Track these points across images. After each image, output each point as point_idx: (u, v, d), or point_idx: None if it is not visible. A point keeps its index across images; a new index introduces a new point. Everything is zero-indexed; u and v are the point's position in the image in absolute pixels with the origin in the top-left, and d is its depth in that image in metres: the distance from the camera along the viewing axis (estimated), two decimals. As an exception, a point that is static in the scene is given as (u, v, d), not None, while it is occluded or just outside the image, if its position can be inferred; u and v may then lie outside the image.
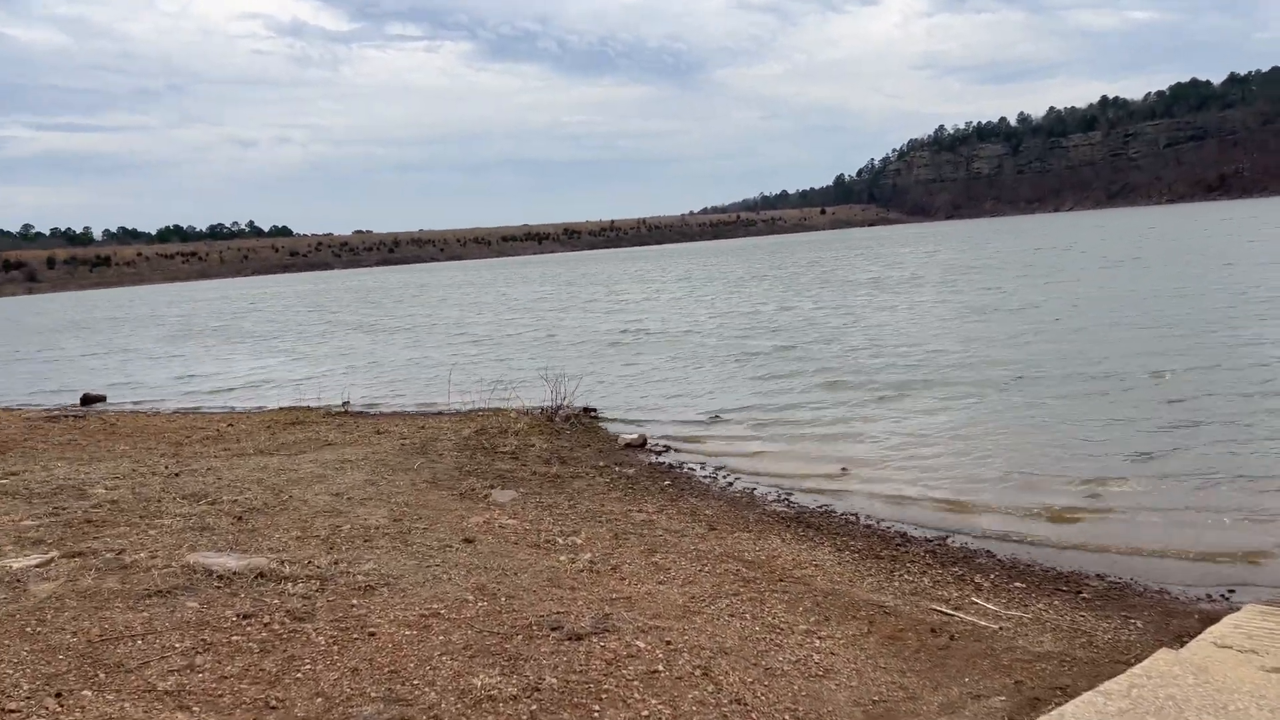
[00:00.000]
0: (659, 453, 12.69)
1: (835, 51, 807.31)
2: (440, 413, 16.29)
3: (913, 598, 6.78)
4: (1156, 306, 24.10)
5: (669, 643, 5.38)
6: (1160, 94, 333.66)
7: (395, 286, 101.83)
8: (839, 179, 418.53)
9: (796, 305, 34.87)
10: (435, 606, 5.77)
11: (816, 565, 7.56)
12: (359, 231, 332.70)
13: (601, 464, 11.80)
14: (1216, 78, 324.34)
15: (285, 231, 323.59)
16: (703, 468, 11.74)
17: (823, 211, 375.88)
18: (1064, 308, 25.58)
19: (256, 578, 6.13)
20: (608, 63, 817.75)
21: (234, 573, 6.16)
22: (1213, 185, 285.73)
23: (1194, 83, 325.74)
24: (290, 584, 6.06)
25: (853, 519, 9.20)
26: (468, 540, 7.55)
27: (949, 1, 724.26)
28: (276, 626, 5.32)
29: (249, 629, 5.26)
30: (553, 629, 5.52)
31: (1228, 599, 6.63)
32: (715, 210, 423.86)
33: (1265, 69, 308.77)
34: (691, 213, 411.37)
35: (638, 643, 5.37)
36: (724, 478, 11.18)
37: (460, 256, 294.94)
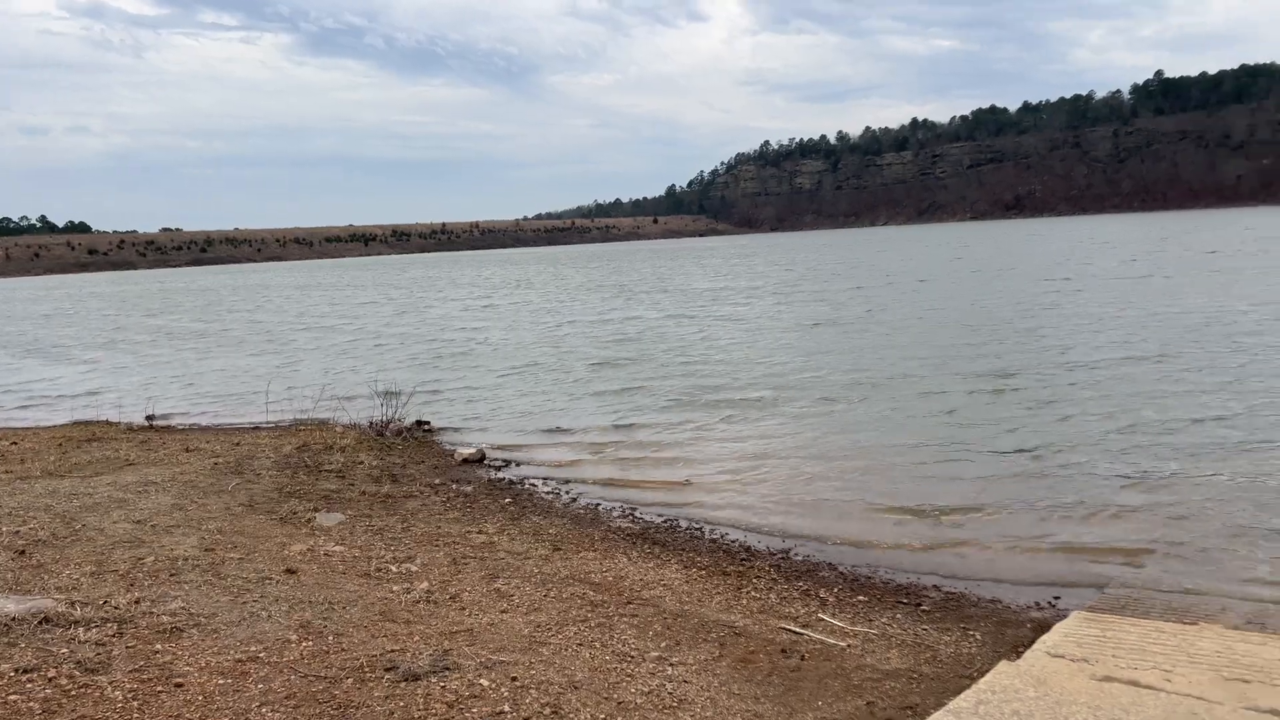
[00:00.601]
0: (499, 468, 12.24)
1: (665, 64, 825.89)
2: (258, 428, 15.19)
3: (761, 616, 6.70)
4: (984, 318, 25.53)
5: (515, 679, 5.03)
6: (964, 118, 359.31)
7: (206, 289, 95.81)
8: (670, 189, 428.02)
9: (641, 314, 34.93)
10: (253, 649, 5.20)
11: (665, 585, 7.38)
12: (167, 229, 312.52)
13: (437, 481, 11.25)
14: (1013, 105, 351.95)
15: (83, 228, 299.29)
16: (545, 483, 11.37)
17: (655, 220, 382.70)
18: (901, 319, 26.70)
19: (40, 623, 5.35)
20: (438, 62, 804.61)
21: (12, 619, 5.35)
22: (1010, 204, 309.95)
23: (993, 109, 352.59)
24: (82, 629, 5.32)
25: (698, 533, 9.09)
26: (290, 571, 6.93)
27: (772, 21, 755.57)
28: (64, 682, 4.62)
29: (29, 686, 4.54)
30: (387, 669, 5.06)
31: (1054, 605, 6.89)
32: (550, 216, 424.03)
33: (1053, 99, 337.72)
34: (526, 218, 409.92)
35: (481, 681, 4.99)
36: (567, 493, 10.86)
37: (279, 257, 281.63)
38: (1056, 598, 7.03)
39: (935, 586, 7.43)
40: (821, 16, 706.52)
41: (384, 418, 14.16)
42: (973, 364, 17.15)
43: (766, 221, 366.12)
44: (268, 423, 15.45)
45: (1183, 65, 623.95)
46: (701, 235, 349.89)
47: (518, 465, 12.38)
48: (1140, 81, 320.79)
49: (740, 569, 7.86)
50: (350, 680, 4.88)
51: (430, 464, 12.37)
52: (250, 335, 36.48)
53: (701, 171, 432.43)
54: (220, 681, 4.76)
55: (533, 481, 11.44)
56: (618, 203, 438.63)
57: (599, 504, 10.32)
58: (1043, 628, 6.41)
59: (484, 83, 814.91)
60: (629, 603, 6.83)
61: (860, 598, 7.15)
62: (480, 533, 9.01)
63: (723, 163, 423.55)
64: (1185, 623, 6.21)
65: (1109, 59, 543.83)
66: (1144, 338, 19.56)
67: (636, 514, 9.85)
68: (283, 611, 5.90)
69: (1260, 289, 29.06)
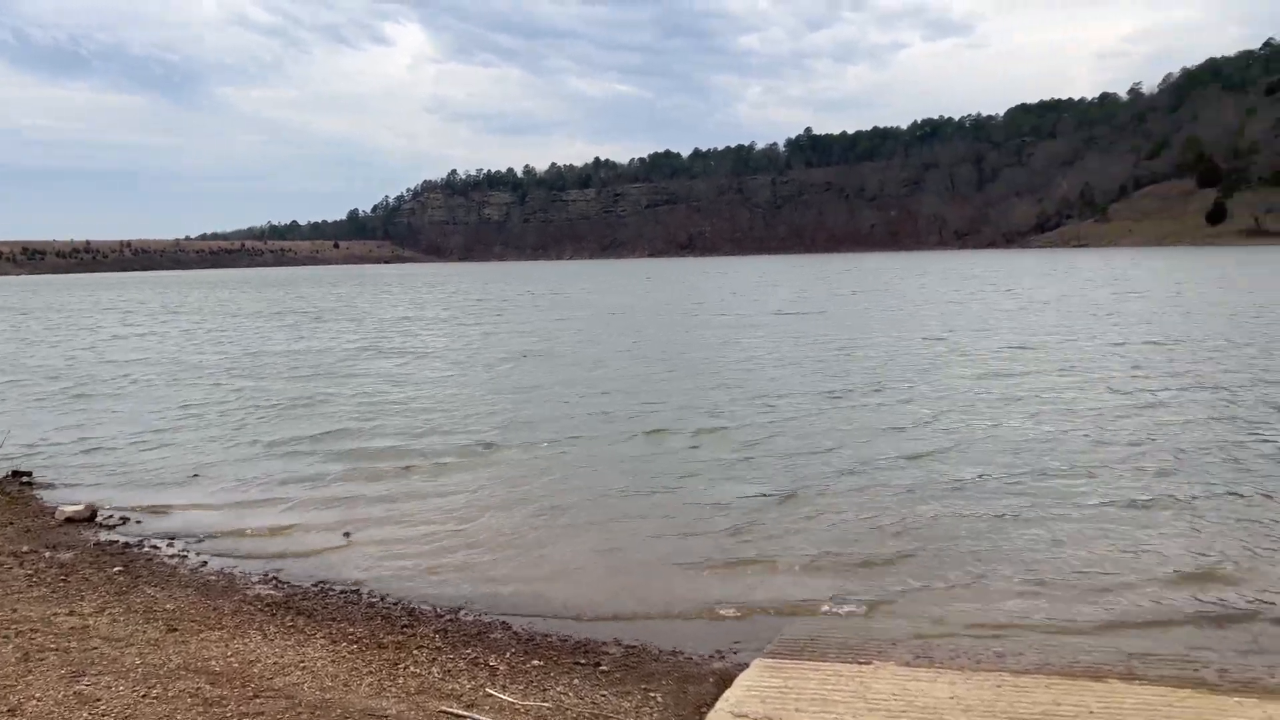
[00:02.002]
0: (113, 527, 10.19)
1: (347, 85, 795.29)
2: None
3: (420, 698, 5.72)
4: (680, 357, 26.03)
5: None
6: (642, 160, 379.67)
7: None
8: (353, 213, 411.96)
9: (310, 343, 32.28)
10: None
11: (305, 667, 6.17)
12: None
13: (25, 549, 9.10)
14: (685, 150, 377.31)
15: None
16: (171, 545, 9.55)
17: (336, 245, 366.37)
18: (597, 355, 26.46)
19: None
20: (82, 64, 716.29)
21: None
22: (683, 244, 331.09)
23: (667, 153, 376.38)
24: None
25: (354, 598, 7.90)
26: None
27: (456, 51, 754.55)
28: None
29: None
30: None
31: (735, 653, 6.55)
32: (217, 237, 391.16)
33: (720, 147, 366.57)
34: (189, 238, 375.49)
35: None
36: (197, 556, 9.17)
37: None
38: (737, 643, 6.71)
39: (616, 640, 6.85)
40: (505, 51, 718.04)
41: (-36, 470, 11.48)
42: (663, 407, 16.72)
43: (455, 250, 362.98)
44: None
45: (827, 124, 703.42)
46: (387, 262, 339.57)
47: (138, 523, 10.37)
48: (793, 136, 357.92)
49: (400, 639, 6.82)
50: None
51: (20, 526, 10.06)
52: None
53: (387, 197, 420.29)
54: None
55: (155, 543, 9.58)
56: (295, 225, 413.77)
57: (236, 567, 8.76)
58: (725, 680, 6.02)
59: (139, 90, 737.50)
60: (256, 696, 5.57)
61: (535, 662, 6.39)
62: (72, 614, 7.23)
63: (409, 189, 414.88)
64: (861, 663, 6.07)
65: (767, 114, 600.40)
66: (836, 373, 20.40)
67: (281, 578, 8.45)
68: None
69: (921, 325, 32.48)
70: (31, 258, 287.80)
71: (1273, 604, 7.00)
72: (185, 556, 9.16)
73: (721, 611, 7.32)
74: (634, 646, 6.69)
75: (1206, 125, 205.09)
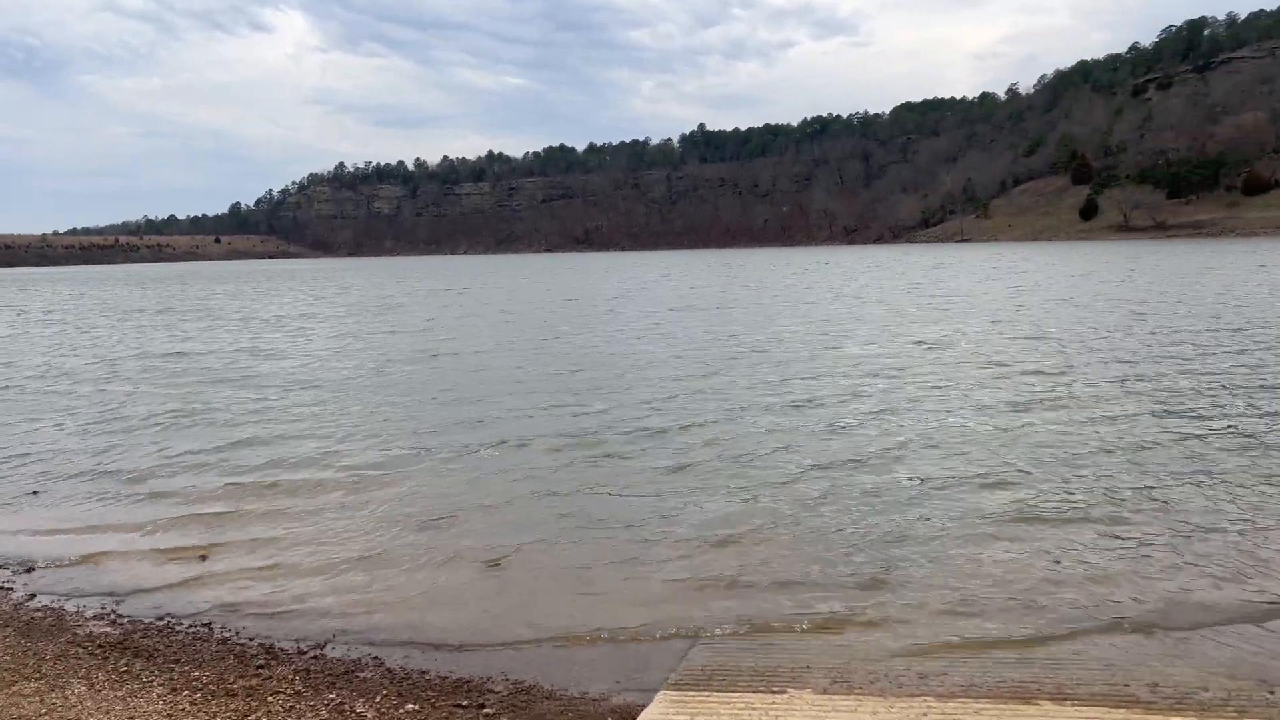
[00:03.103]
0: (-74, 557, 8.91)
1: (224, 74, 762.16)
2: None
3: (272, 757, 4.91)
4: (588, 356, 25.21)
5: None
6: (537, 154, 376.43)
7: None
8: (235, 207, 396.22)
9: (189, 344, 30.17)
10: None
11: (136, 725, 5.28)
12: None
13: None
14: (580, 145, 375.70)
15: None
16: (-7, 574, 8.39)
17: (218, 240, 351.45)
18: (492, 358, 25.46)
19: None
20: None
21: None
22: (580, 238, 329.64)
23: (562, 148, 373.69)
24: None
25: (204, 634, 6.95)
26: None
27: (342, 41, 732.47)
28: None
29: None
30: None
31: (637, 684, 5.92)
32: (88, 232, 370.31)
33: (615, 142, 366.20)
34: (56, 233, 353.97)
35: None
36: (24, 588, 8.03)
37: None
38: (639, 673, 6.09)
39: (503, 675, 6.14)
40: (393, 41, 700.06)
41: None
42: (565, 413, 15.64)
43: (344, 245, 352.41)
44: None
45: (720, 120, 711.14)
46: (271, 257, 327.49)
47: (-42, 550, 9.12)
48: (687, 132, 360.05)
49: (253, 683, 5.95)
50: None
51: None
52: None
53: (271, 190, 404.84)
54: None
55: (-26, 575, 8.39)
56: (173, 219, 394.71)
57: (67, 602, 7.68)
58: (627, 717, 5.39)
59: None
60: (68, 768, 4.67)
61: (410, 706, 5.63)
62: None
63: (294, 182, 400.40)
64: (774, 691, 5.53)
65: (661, 109, 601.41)
66: (751, 375, 19.60)
67: (121, 612, 7.42)
68: None
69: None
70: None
71: (1201, 613, 6.73)
72: (9, 589, 8.01)
73: (621, 637, 6.65)
74: (523, 683, 5.98)
75: (1078, 124, 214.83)
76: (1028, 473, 10.61)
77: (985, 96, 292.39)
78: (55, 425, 15.79)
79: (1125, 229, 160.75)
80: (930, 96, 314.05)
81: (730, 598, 7.28)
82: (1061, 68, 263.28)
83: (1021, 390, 16.07)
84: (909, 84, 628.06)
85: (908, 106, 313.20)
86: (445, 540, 8.93)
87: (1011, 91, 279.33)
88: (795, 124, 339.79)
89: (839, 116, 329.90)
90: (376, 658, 6.46)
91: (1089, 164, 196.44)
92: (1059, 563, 7.76)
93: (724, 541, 8.61)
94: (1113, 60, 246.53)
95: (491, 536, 9.00)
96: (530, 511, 9.81)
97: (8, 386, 20.97)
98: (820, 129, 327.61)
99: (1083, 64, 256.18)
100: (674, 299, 45.73)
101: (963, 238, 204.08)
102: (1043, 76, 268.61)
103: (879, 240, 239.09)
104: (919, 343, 23.65)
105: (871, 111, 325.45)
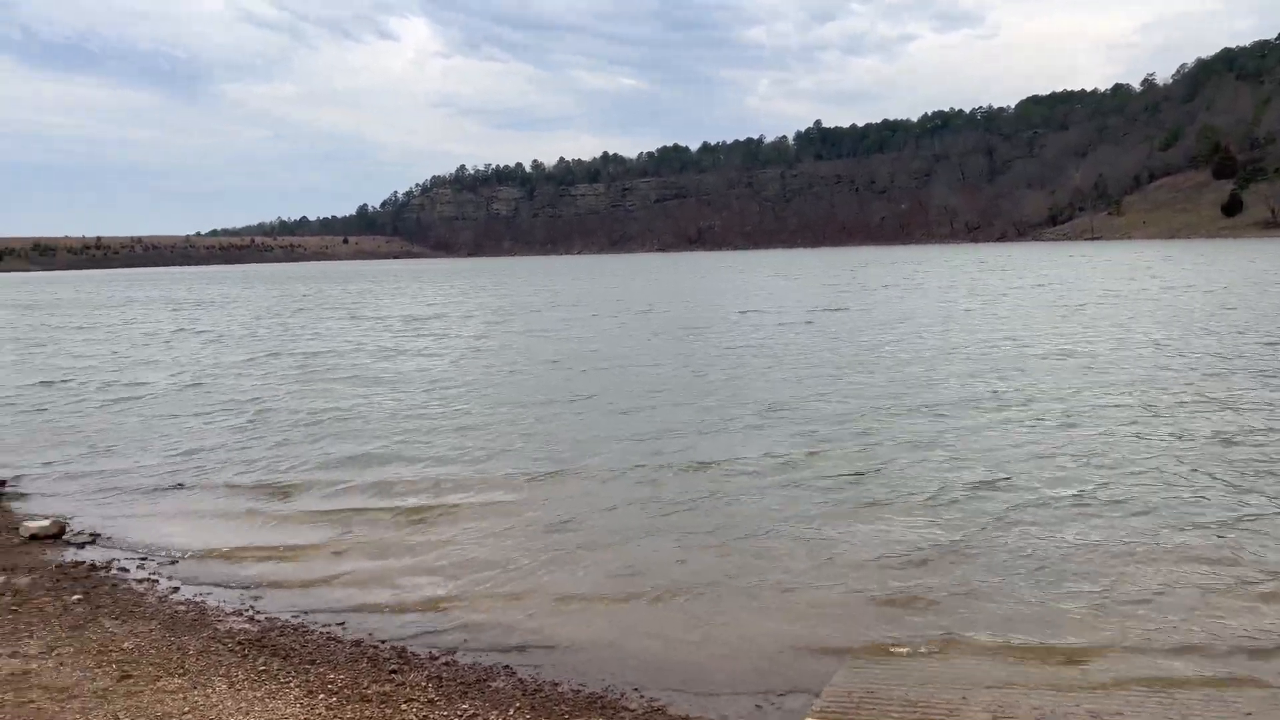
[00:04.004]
0: (81, 545, 9.29)
1: (353, 80, 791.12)
2: None
3: (407, 770, 4.79)
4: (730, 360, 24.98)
5: None
6: (650, 154, 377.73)
7: None
8: (362, 209, 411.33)
9: (330, 343, 31.19)
10: None
11: (274, 728, 5.25)
12: None
13: (-22, 573, 8.20)
14: (694, 145, 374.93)
15: None
16: (142, 566, 8.65)
17: (346, 241, 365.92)
18: (632, 361, 25.40)
19: None
20: (91, 60, 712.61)
21: None
22: (693, 238, 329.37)
23: (676, 147, 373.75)
24: None
25: (338, 634, 6.96)
26: None
27: (462, 46, 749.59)
28: None
29: None
30: None
31: (779, 707, 5.59)
32: (227, 233, 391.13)
33: (729, 141, 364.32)
34: (199, 234, 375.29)
35: None
36: (168, 581, 8.24)
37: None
38: (780, 695, 5.75)
39: (637, 690, 5.89)
40: (510, 45, 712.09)
41: (-75, 481, 10.59)
42: (702, 424, 14.92)
43: (464, 246, 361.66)
44: None
45: (836, 116, 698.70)
46: (396, 257, 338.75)
47: (109, 540, 9.46)
48: (802, 129, 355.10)
49: (387, 689, 5.87)
50: None
51: (-21, 546, 9.17)
52: None
53: (395, 192, 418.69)
54: None
55: (124, 564, 8.66)
56: (304, 220, 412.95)
57: (209, 596, 7.82)
58: (769, 746, 5.07)
59: (146, 85, 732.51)
60: (210, 771, 4.65)
61: (542, 720, 5.44)
62: (14, 655, 6.33)
63: (417, 184, 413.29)
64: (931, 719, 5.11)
65: (775, 107, 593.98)
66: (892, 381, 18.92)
67: (259, 609, 7.51)
68: None
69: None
70: (44, 254, 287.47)
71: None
72: (155, 581, 8.23)
73: (762, 656, 6.31)
74: (657, 701, 5.71)
75: (1221, 115, 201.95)
76: (1234, 498, 9.59)
77: (1118, 88, 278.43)
78: (202, 420, 16.39)
79: (1274, 225, 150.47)
80: (1059, 89, 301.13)
81: (883, 620, 6.81)
82: (1203, 56, 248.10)
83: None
84: (1036, 76, 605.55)
85: (1034, 99, 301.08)
86: (578, 548, 8.71)
87: (1147, 82, 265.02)
88: (915, 119, 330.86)
89: (961, 111, 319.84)
90: (508, 667, 6.30)
91: (1233, 157, 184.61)
92: (1264, 604, 6.88)
93: (879, 560, 8.05)
94: (1260, 47, 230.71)
95: (626, 545, 8.74)
96: (668, 520, 9.46)
97: (156, 382, 22.03)
98: (941, 124, 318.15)
99: (1226, 51, 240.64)
100: (815, 297, 44.98)
101: (1093, 235, 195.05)
102: (1182, 66, 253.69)
103: (1003, 238, 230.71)
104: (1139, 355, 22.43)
105: (996, 105, 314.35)
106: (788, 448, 12.39)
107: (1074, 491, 9.80)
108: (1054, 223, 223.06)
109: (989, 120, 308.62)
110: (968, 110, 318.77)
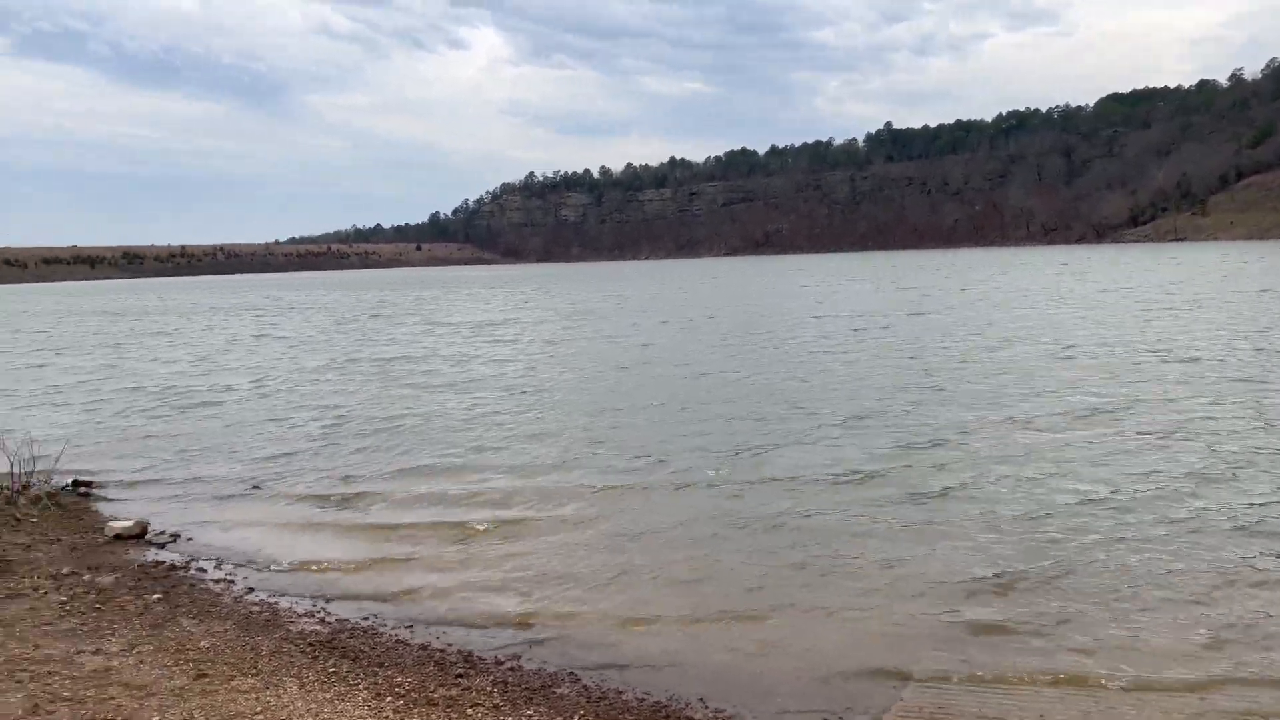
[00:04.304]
0: (162, 545, 9.57)
1: (426, 90, 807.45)
2: None
3: (472, 776, 4.79)
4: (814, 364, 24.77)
5: None
6: (717, 159, 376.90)
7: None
8: (434, 216, 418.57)
9: (405, 349, 31.71)
10: None
11: (342, 730, 5.31)
12: None
13: (66, 571, 8.50)
14: (761, 148, 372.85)
15: None
16: (219, 567, 8.87)
17: (419, 248, 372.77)
18: (706, 368, 25.33)
19: None
20: (175, 74, 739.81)
21: None
22: (760, 242, 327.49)
23: (744, 151, 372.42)
24: None
25: (406, 637, 7.02)
26: None
27: (530, 54, 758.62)
28: None
29: None
30: None
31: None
32: (304, 240, 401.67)
33: (797, 144, 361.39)
34: (277, 241, 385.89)
35: None
36: (243, 581, 8.44)
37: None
38: (847, 709, 5.62)
39: (702, 701, 5.82)
40: (579, 52, 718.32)
41: (19, 478, 11.03)
42: (775, 433, 15.17)
43: (533, 252, 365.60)
44: None
45: (907, 117, 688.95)
46: (467, 264, 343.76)
47: (189, 540, 9.74)
48: (872, 131, 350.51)
49: (454, 693, 5.90)
50: None
51: (68, 543, 9.50)
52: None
53: (466, 199, 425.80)
54: None
55: (202, 565, 8.90)
56: (379, 228, 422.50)
57: (282, 597, 7.98)
58: (837, 761, 4.95)
59: (227, 98, 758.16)
60: (280, 771, 4.72)
61: (608, 729, 5.40)
62: (97, 652, 6.52)
63: (488, 191, 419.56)
64: (1007, 746, 4.93)
65: (844, 109, 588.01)
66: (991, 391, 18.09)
67: (329, 609, 7.64)
68: None
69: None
70: (132, 262, 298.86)
71: None
72: (231, 582, 8.44)
73: (828, 671, 6.17)
74: (723, 713, 5.64)
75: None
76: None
77: (1204, 84, 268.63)
78: (282, 425, 16.74)
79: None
80: (1140, 86, 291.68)
81: (958, 643, 6.58)
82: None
83: None
84: (1115, 74, 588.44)
85: (1114, 97, 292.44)
86: (647, 560, 8.64)
87: (1235, 77, 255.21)
88: (989, 119, 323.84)
89: (1037, 110, 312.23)
90: (573, 673, 6.29)
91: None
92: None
93: (958, 581, 7.74)
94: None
95: (697, 558, 8.62)
96: (741, 533, 9.31)
97: (238, 388, 22.65)
98: (1016, 124, 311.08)
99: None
100: (891, 302, 44.35)
101: (1176, 237, 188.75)
102: (1271, 60, 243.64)
103: (1081, 240, 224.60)
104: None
105: (1073, 104, 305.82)
106: (869, 460, 12.04)
107: (1173, 513, 9.30)
108: (1135, 224, 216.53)
109: (1066, 119, 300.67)
110: (1044, 109, 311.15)
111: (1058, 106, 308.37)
